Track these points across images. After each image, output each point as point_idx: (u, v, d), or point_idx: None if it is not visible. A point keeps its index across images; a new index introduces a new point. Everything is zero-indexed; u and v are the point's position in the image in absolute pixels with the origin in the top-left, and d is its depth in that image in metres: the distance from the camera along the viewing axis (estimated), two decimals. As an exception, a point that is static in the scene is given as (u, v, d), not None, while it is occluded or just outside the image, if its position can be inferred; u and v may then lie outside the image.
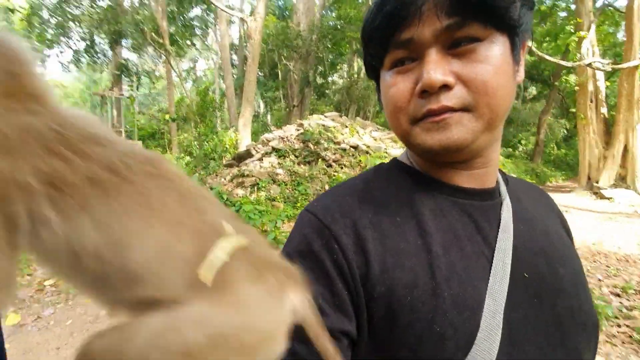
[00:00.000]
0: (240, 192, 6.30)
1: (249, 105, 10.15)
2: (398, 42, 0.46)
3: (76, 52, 17.90)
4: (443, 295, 0.43)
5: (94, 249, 0.27)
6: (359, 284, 0.44)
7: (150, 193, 0.29)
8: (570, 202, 8.73)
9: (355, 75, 16.88)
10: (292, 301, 0.30)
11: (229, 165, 8.05)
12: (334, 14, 18.79)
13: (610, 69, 9.32)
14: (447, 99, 0.44)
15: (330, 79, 18.46)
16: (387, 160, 0.60)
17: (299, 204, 6.15)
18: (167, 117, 15.45)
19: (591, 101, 10.21)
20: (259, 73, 15.41)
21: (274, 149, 7.60)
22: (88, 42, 17.29)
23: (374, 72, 0.55)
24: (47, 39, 15.79)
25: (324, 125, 7.96)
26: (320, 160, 7.20)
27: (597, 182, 9.99)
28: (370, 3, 0.65)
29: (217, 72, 23.54)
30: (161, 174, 0.31)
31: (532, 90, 23.08)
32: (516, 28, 0.46)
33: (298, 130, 8.11)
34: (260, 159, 7.39)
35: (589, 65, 9.03)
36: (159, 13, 14.97)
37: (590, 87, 10.14)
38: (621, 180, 9.80)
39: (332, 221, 0.48)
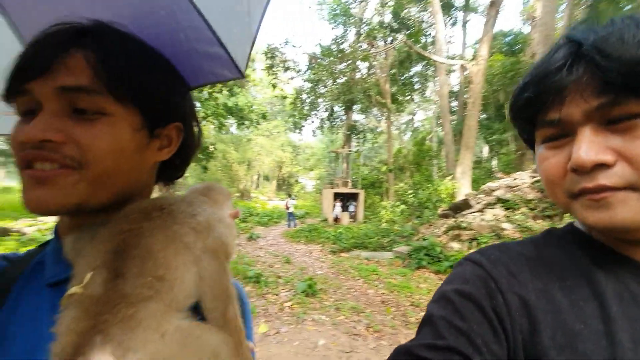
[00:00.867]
0: (455, 245, 5.80)
1: (468, 152, 9.60)
2: (545, 121, 0.47)
3: (321, 120, 23.69)
4: None
5: None
6: (520, 347, 0.43)
7: None
8: None
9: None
10: None
11: (445, 216, 7.69)
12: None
13: None
14: (606, 178, 0.42)
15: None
16: None
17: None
18: (385, 168, 17.12)
19: None
20: (483, 115, 14.48)
21: (500, 200, 6.62)
22: (329, 112, 22.57)
23: (528, 143, 0.54)
24: (304, 114, 21.89)
25: (573, 169, 6.22)
26: (565, 214, 5.58)
27: None
28: None
29: (434, 121, 24.24)
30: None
31: None
32: None
33: (533, 177, 6.75)
34: (481, 211, 6.60)
35: None
36: (382, 78, 17.51)
37: None
38: None
39: (498, 275, 0.47)
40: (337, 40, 21.51)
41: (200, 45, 0.85)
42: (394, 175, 18.12)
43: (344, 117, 23.31)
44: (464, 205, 7.27)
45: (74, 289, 0.39)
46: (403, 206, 12.46)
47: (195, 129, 0.68)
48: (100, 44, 0.49)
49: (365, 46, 19.24)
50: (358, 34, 20.87)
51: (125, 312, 0.37)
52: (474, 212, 6.70)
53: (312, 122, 25.12)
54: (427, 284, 6.48)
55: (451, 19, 22.22)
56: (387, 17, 20.55)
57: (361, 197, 18.47)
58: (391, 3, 19.54)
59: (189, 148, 0.67)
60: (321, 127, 24.36)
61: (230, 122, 27.60)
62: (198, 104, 22.55)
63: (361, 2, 21.69)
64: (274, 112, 45.17)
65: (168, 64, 0.61)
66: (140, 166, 0.56)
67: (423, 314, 0.51)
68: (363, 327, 4.52)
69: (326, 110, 23.02)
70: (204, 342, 0.41)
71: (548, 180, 0.48)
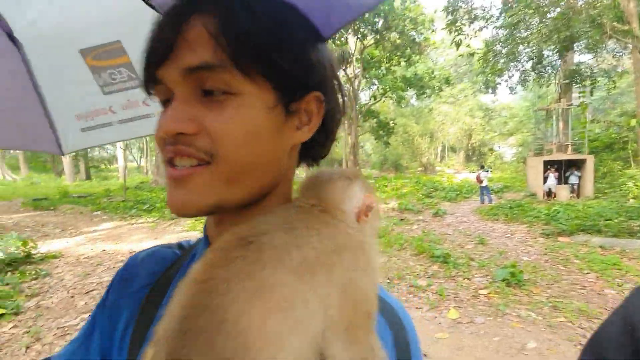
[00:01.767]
0: None
1: None
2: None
3: (523, 72, 19.39)
4: None
5: None
6: None
7: None
8: None
9: None
10: None
11: None
12: None
13: None
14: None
15: None
16: None
17: None
18: (633, 122, 12.30)
19: None
20: None
21: None
22: (535, 60, 18.09)
23: None
24: (498, 69, 18.45)
25: None
26: None
27: None
28: None
29: None
30: None
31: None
32: None
33: None
34: None
35: None
36: (626, -7, 12.31)
37: None
38: None
39: None
40: (543, -38, 16.74)
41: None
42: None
43: (558, 62, 18.21)
44: None
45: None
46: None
47: (338, 96, 0.54)
48: (221, 5, 0.42)
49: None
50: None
51: None
52: None
53: (510, 77, 20.95)
54: None
55: None
56: None
57: (589, 165, 14.17)
58: None
59: (333, 120, 0.54)
60: (524, 81, 20.03)
61: (410, 93, 27.03)
62: (375, 81, 23.27)
63: None
64: (459, 75, 40.85)
65: (298, 16, 0.49)
66: (278, 152, 0.48)
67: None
68: (598, 338, 3.43)
69: (530, 59, 18.63)
70: None
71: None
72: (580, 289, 4.66)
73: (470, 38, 16.54)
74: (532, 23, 16.05)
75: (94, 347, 0.55)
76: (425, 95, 24.59)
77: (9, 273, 5.32)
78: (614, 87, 18.07)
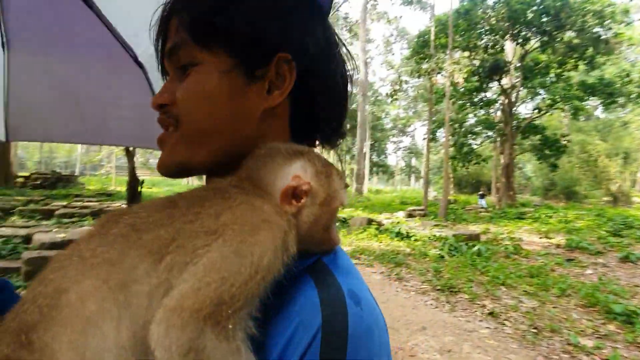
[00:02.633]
0: None
1: None
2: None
3: None
4: None
5: None
6: None
7: None
8: None
9: None
10: None
11: None
12: None
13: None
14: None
15: None
16: None
17: None
18: None
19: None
20: None
21: None
22: None
23: None
24: None
25: None
26: None
27: None
28: None
29: None
30: None
31: None
32: None
33: None
34: None
35: None
36: None
37: None
38: None
39: None
40: None
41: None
42: None
43: None
44: None
45: None
46: None
47: (332, 65, 0.53)
48: (189, 2, 0.50)
49: None
50: None
51: None
52: None
53: None
54: None
55: None
56: None
57: None
58: None
59: (326, 89, 0.53)
60: None
61: (593, 103, 21.63)
62: (542, 91, 19.68)
63: None
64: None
65: None
66: (239, 115, 0.49)
67: None
68: None
69: None
70: None
71: None
72: None
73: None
74: None
75: None
76: (616, 105, 19.27)
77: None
78: None
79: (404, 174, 53.23)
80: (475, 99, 20.48)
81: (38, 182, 15.36)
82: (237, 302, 0.33)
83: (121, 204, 11.05)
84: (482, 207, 19.30)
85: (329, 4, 0.59)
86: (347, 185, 0.50)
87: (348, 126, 0.62)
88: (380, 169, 40.92)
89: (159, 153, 0.54)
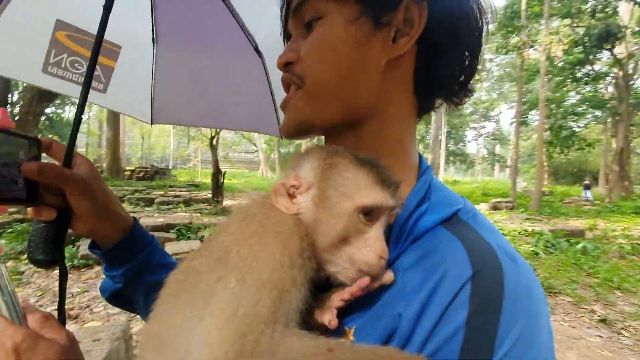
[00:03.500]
0: None
1: None
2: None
3: None
4: None
5: None
6: None
7: None
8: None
9: None
10: None
11: None
12: None
13: None
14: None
15: None
16: None
17: None
18: None
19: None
20: None
21: None
22: None
23: None
24: None
25: None
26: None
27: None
28: None
29: None
30: None
31: None
32: None
33: None
34: None
35: None
36: None
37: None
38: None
39: None
40: None
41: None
42: None
43: None
44: None
45: None
46: None
47: (466, 10, 0.46)
48: None
49: None
50: None
51: None
52: None
53: None
54: None
55: None
56: None
57: None
58: None
59: (458, 37, 0.47)
60: None
61: None
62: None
63: None
64: None
65: None
66: (364, 66, 0.46)
67: None
68: None
69: None
70: None
71: None
72: None
73: None
74: None
75: None
76: None
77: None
78: None
79: (486, 163, 49.01)
80: (579, 74, 17.76)
81: (141, 175, 17.94)
82: (255, 329, 0.33)
83: (207, 193, 12.18)
84: (587, 200, 16.93)
85: None
86: (393, 183, 0.41)
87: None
88: (458, 158, 38.38)
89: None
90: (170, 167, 25.98)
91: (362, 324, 0.40)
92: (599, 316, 4.10)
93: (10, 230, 5.96)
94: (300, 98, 0.49)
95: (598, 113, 18.73)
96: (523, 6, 15.16)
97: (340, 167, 0.41)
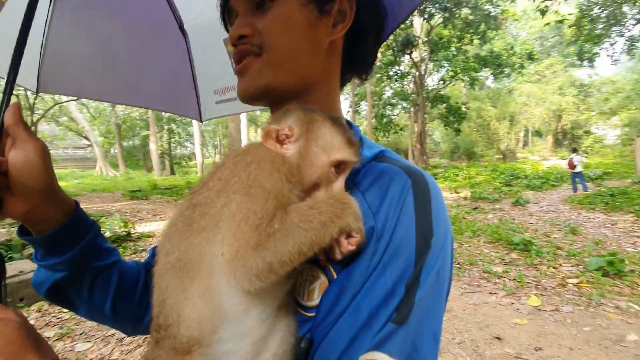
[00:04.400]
0: None
1: None
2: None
3: (629, 39, 16.53)
4: None
5: None
6: None
7: None
8: None
9: None
10: None
11: None
12: None
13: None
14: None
15: None
16: None
17: None
18: None
19: None
20: None
21: None
22: (646, 21, 15.30)
23: None
24: (595, 36, 15.96)
25: None
26: None
27: None
28: None
29: None
30: None
31: None
32: None
33: None
34: None
35: None
36: None
37: None
38: None
39: None
40: None
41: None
42: None
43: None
44: None
45: None
46: None
47: (379, 7, 0.63)
48: None
49: None
50: None
51: None
52: None
53: (612, 44, 17.91)
54: None
55: None
56: None
57: None
58: None
59: (369, 19, 0.62)
60: (630, 50, 17.11)
61: (485, 74, 24.74)
62: (446, 63, 21.80)
63: None
64: (546, 49, 36.40)
65: None
66: (314, 45, 0.57)
67: None
68: None
69: (638, 22, 15.79)
70: None
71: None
72: None
73: (559, 3, 14.66)
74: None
75: None
76: (503, 75, 22.38)
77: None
78: None
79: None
80: (391, 72, 21.76)
81: None
82: (267, 219, 0.41)
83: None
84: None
85: None
86: (357, 143, 0.52)
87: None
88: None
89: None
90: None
91: None
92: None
93: None
94: (263, 64, 0.55)
95: (405, 104, 23.46)
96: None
97: (320, 124, 0.49)
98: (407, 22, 18.96)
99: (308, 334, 0.47)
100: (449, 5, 17.86)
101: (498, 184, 13.98)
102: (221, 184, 0.44)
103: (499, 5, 18.60)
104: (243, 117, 15.36)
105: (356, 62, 0.65)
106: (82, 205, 0.62)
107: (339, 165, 0.49)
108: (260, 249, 0.39)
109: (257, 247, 0.39)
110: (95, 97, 1.16)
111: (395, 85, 23.35)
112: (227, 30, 0.65)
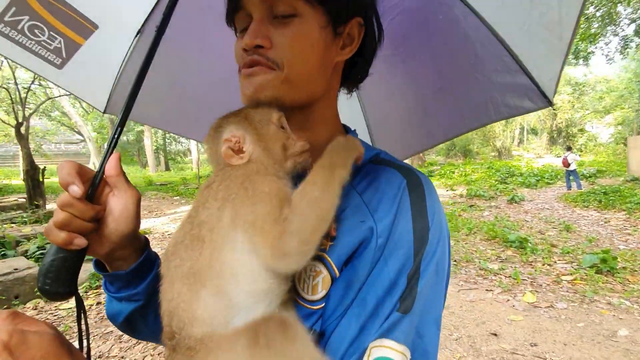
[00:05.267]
0: None
1: None
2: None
3: (623, 39, 16.68)
4: None
5: None
6: None
7: None
8: None
9: None
10: None
11: None
12: None
13: None
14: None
15: None
16: None
17: None
18: None
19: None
20: None
21: None
22: (639, 22, 15.43)
23: None
24: (590, 34, 16.06)
25: None
26: None
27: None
28: None
29: None
30: None
31: None
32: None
33: None
34: None
35: None
36: None
37: None
38: None
39: None
40: None
41: (494, 73, 0.80)
42: None
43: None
44: None
45: None
46: None
47: (375, 25, 0.66)
48: None
49: None
50: None
51: None
52: None
53: (607, 43, 17.97)
54: None
55: None
56: None
57: None
58: None
59: (370, 44, 0.66)
60: (624, 49, 17.25)
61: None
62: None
63: None
64: (541, 47, 36.31)
65: None
66: (326, 65, 0.60)
67: None
68: None
69: (633, 22, 15.91)
70: None
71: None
72: (694, 280, 4.05)
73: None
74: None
75: None
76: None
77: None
78: None
79: None
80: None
81: None
82: (279, 213, 0.46)
83: (18, 197, 9.42)
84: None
85: None
86: (263, 105, 0.57)
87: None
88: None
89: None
90: None
91: (340, 232, 0.54)
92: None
93: None
94: (278, 79, 0.55)
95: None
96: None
97: (247, 114, 0.54)
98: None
99: (314, 327, 0.53)
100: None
101: (494, 181, 14.10)
102: (220, 203, 0.48)
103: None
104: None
105: (351, 78, 0.70)
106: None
107: (280, 125, 0.55)
108: (287, 234, 0.44)
109: (284, 234, 0.44)
110: (157, 126, 1.22)
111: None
112: (228, 21, 0.64)
